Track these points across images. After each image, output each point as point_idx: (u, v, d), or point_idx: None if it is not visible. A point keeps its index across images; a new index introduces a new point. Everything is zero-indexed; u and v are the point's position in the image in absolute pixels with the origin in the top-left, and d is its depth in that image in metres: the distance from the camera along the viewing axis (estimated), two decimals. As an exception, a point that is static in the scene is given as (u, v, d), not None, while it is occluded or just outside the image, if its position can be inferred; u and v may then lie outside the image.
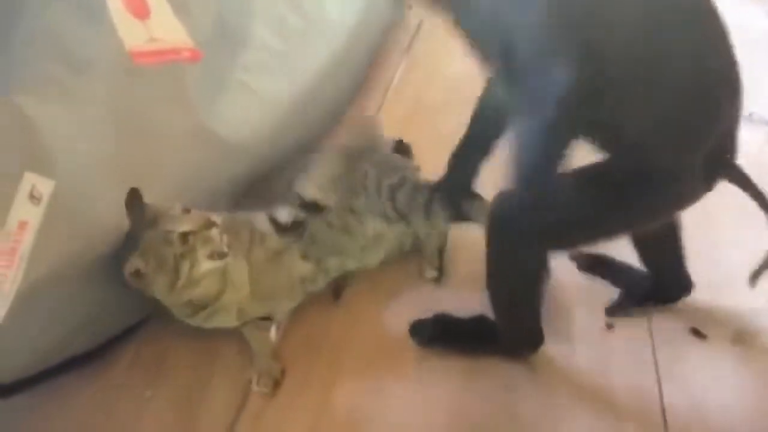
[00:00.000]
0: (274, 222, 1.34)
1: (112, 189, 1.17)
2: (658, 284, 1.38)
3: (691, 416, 1.23)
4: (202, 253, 1.17)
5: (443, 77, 2.04)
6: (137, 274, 1.14)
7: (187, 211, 1.19)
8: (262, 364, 1.29)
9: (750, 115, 1.80)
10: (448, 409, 1.25)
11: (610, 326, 1.38)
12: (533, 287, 1.21)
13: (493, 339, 1.29)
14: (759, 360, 1.32)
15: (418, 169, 1.56)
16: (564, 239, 1.17)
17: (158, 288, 1.17)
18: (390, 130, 1.71)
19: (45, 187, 1.07)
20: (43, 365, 1.24)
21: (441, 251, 1.49)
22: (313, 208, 1.37)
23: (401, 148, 1.65)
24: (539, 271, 1.19)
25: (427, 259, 1.48)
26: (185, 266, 1.15)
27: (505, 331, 1.28)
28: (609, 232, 1.17)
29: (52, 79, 1.16)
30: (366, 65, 1.94)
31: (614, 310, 1.40)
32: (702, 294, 1.38)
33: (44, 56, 1.16)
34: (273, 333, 1.34)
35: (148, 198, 1.18)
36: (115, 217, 1.17)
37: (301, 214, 1.35)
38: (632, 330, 1.37)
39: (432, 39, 2.23)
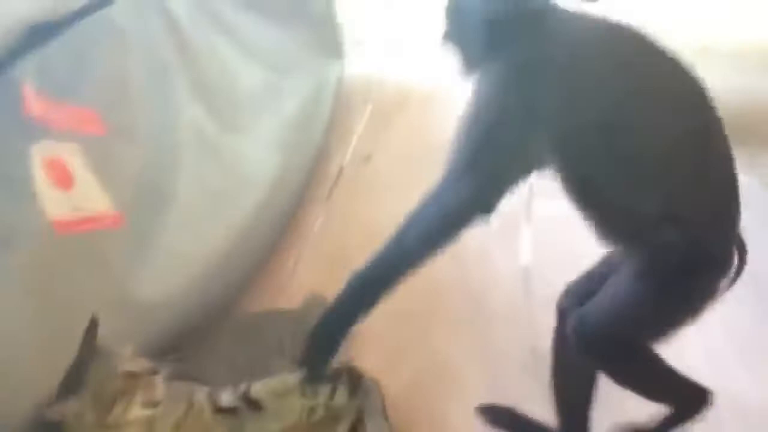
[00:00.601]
0: (213, 401, 1.34)
1: (29, 363, 1.19)
2: None
3: None
4: (139, 397, 1.19)
5: (364, 224, 2.05)
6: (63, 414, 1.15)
7: (136, 355, 1.23)
8: None
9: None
10: None
11: None
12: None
13: None
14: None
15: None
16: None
17: (85, 422, 1.16)
18: (310, 282, 1.75)
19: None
20: None
21: None
22: (253, 406, 1.36)
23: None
24: None
25: None
26: (120, 405, 1.17)
27: None
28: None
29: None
30: (287, 217, 1.99)
31: None
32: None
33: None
34: None
35: (61, 368, 1.19)
36: (32, 391, 1.18)
37: (242, 407, 1.35)
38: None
39: (353, 185, 2.23)
